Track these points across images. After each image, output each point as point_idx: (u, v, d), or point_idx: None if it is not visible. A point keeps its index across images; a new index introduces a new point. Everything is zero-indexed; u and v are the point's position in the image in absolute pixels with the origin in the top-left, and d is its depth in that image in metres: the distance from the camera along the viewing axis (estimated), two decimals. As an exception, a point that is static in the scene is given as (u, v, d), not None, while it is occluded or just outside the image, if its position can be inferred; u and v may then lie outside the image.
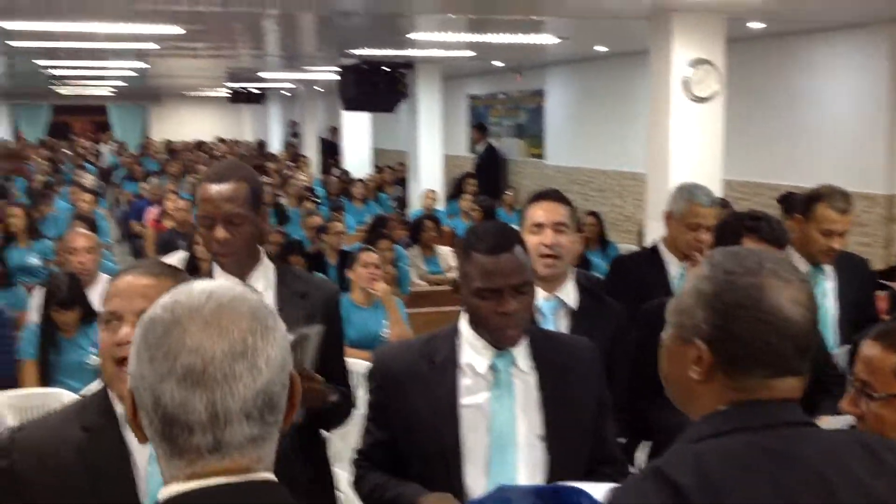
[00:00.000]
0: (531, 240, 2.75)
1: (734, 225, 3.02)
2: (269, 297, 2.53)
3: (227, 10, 6.90)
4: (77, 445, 1.80)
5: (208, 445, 1.11)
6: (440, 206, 10.55)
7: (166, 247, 8.29)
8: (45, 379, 4.56)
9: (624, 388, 2.80)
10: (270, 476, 1.16)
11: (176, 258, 7.62)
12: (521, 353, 2.19)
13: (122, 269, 1.97)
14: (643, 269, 3.66)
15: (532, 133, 13.73)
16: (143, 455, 1.82)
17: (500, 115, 14.66)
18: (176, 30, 7.85)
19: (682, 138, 6.63)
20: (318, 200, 10.60)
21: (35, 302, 4.96)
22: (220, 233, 2.42)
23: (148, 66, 13.42)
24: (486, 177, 12.83)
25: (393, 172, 14.04)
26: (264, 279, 2.54)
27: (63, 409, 1.98)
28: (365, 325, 5.16)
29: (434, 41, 9.01)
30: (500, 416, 2.14)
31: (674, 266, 3.64)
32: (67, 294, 4.57)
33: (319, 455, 2.66)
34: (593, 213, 8.14)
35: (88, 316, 4.59)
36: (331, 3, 7.03)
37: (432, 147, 11.25)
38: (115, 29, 7.89)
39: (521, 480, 2.11)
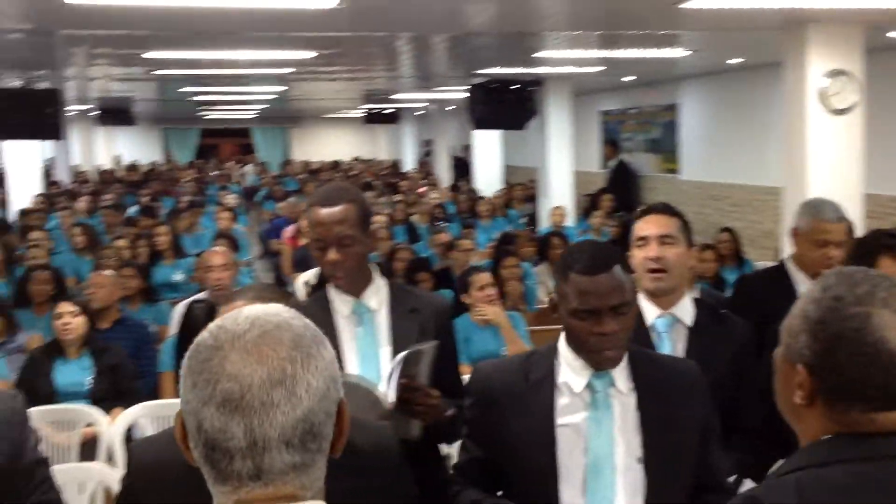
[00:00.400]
0: (637, 255, 2.70)
1: (871, 242, 2.88)
2: (383, 314, 2.59)
3: (362, 34, 7.10)
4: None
5: (249, 472, 1.11)
6: (569, 222, 10.48)
7: (302, 263, 8.56)
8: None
9: (752, 409, 2.70)
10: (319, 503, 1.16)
11: (311, 273, 7.93)
12: (621, 374, 2.15)
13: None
14: (769, 287, 3.52)
15: (665, 148, 13.48)
16: None
17: (633, 130, 14.46)
18: (312, 54, 8.13)
19: (819, 151, 6.38)
20: (447, 218, 10.71)
21: (175, 317, 5.22)
22: (333, 255, 2.48)
23: (286, 89, 13.92)
24: (618, 192, 12.66)
25: (524, 189, 14.04)
26: (377, 297, 2.60)
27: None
28: (485, 345, 5.18)
29: (564, 58, 8.99)
30: (598, 438, 2.10)
31: (803, 284, 3.48)
32: (207, 319, 4.77)
33: (438, 469, 2.68)
34: (727, 230, 7.91)
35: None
36: (461, 23, 7.13)
37: (562, 163, 11.20)
38: (256, 56, 8.25)
39: (619, 503, 2.08)
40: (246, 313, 1.17)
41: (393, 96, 15.25)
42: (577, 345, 2.13)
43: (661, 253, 2.68)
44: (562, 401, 2.14)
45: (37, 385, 4.42)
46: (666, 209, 2.80)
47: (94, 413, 4.24)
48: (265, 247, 12.81)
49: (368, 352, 2.57)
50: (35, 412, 3.63)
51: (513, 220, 11.84)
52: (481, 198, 11.84)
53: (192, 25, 6.24)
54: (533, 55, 8.65)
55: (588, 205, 11.27)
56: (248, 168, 22.59)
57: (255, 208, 15.64)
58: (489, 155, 14.11)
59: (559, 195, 11.02)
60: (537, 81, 10.49)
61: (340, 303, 2.58)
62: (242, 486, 1.12)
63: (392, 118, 19.02)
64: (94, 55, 8.54)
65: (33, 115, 8.84)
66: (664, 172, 13.52)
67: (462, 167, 17.33)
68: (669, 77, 12.41)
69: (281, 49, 7.77)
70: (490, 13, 6.38)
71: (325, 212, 2.49)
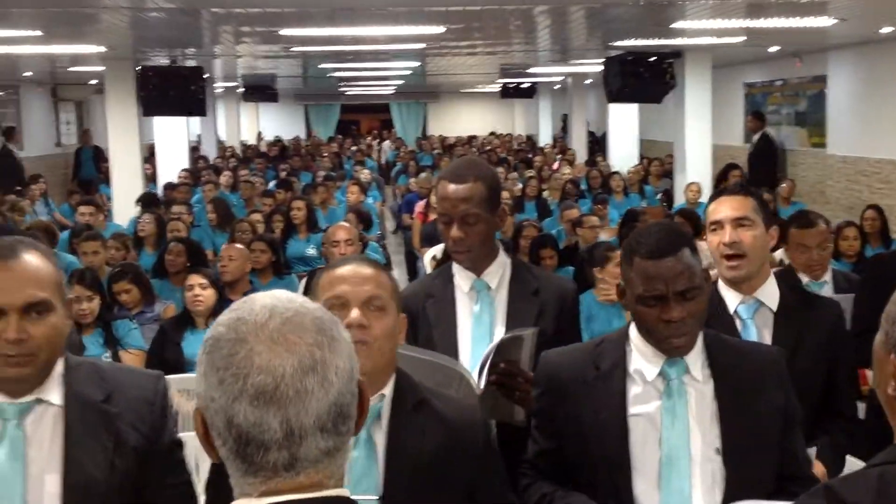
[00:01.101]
0: (712, 240, 2.58)
1: None
2: (502, 294, 2.58)
3: (501, 7, 7.04)
4: None
5: (284, 462, 1.10)
6: (704, 198, 10.13)
7: (430, 238, 8.61)
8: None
9: (847, 396, 2.58)
10: (343, 492, 1.15)
11: (438, 248, 7.98)
12: (696, 361, 2.06)
13: (339, 261, 2.04)
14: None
15: (813, 121, 12.83)
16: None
17: (779, 102, 13.84)
18: (450, 28, 8.12)
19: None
20: (579, 194, 10.55)
21: (300, 289, 5.33)
22: (456, 231, 2.48)
23: (421, 64, 14.00)
24: (760, 167, 12.17)
25: (661, 165, 13.68)
26: (498, 275, 2.58)
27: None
28: (609, 323, 5.07)
29: (704, 29, 8.67)
30: (672, 428, 2.01)
31: (942, 266, 3.26)
32: None
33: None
34: (874, 207, 7.47)
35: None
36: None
37: (700, 138, 10.81)
38: (394, 31, 8.31)
39: (696, 497, 1.98)
40: (261, 302, 1.15)
41: (529, 70, 15.11)
42: (645, 332, 2.05)
43: (735, 237, 2.55)
44: (634, 390, 2.06)
45: (167, 354, 4.61)
46: (739, 189, 2.67)
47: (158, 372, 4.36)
48: (398, 221, 13.00)
49: (482, 330, 2.56)
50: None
51: (648, 197, 11.56)
52: (615, 173, 11.60)
53: (327, 2, 6.33)
54: (671, 26, 8.37)
55: (716, 181, 10.85)
56: (386, 143, 22.93)
57: (390, 183, 15.87)
58: (625, 129, 13.80)
59: (697, 170, 10.66)
60: (676, 53, 10.15)
61: (461, 279, 2.58)
62: (274, 476, 1.11)
63: (528, 93, 18.87)
64: (239, 33, 8.80)
65: (180, 92, 9.23)
66: (811, 147, 12.89)
67: (598, 142, 17.05)
68: (817, 47, 11.77)
69: (416, 24, 7.79)
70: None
71: (453, 188, 2.49)
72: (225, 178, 12.10)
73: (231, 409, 1.10)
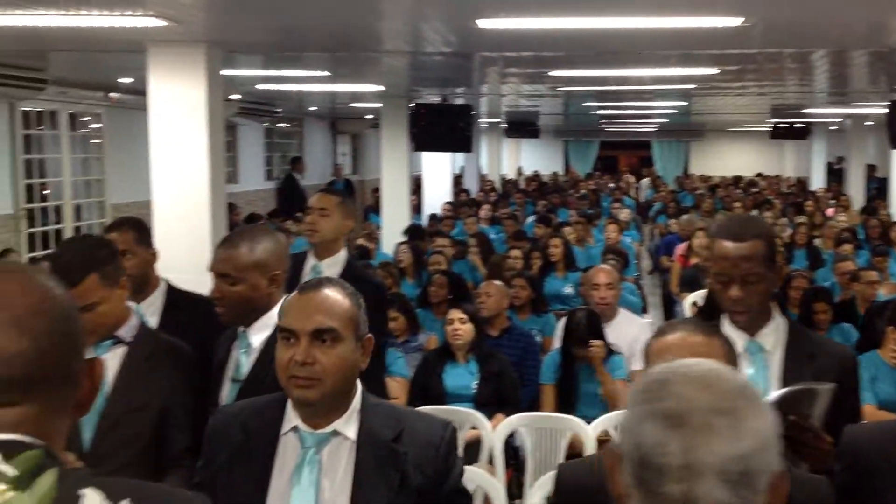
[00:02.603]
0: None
1: None
2: (777, 356, 2.47)
3: (779, 51, 6.79)
4: None
5: (678, 498, 1.09)
6: None
7: (690, 283, 8.36)
8: (564, 404, 4.88)
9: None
10: None
11: (699, 295, 7.72)
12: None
13: (666, 325, 2.02)
14: None
15: None
16: None
17: None
18: (714, 71, 7.90)
19: None
20: (856, 244, 9.83)
21: (558, 330, 5.34)
22: (735, 291, 2.40)
23: (688, 104, 13.70)
24: None
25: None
26: (774, 336, 2.47)
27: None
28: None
29: None
30: None
31: None
32: (586, 331, 4.85)
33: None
34: None
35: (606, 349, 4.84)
36: (884, 38, 6.51)
37: None
38: (658, 73, 8.20)
39: None
40: (693, 360, 1.23)
41: (804, 111, 14.35)
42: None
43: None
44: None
45: (429, 385, 4.76)
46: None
47: (479, 417, 4.45)
48: (655, 263, 12.73)
49: None
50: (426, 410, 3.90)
51: (939, 250, 10.58)
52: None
53: (597, 46, 6.36)
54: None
55: None
56: (645, 182, 22.59)
57: (648, 222, 15.59)
58: (911, 175, 12.76)
59: None
60: (974, 96, 9.26)
61: (734, 338, 2.47)
62: None
63: (801, 133, 17.90)
64: (506, 74, 9.03)
65: (449, 129, 9.58)
66: None
67: (879, 187, 15.87)
68: None
69: (684, 66, 7.64)
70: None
71: (732, 246, 2.40)
72: (484, 211, 12.40)
73: (639, 429, 1.14)
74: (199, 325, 3.04)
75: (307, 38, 6.02)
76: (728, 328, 2.49)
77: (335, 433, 2.00)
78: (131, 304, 2.85)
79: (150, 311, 3.35)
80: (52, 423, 1.12)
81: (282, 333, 2.00)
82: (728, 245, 2.40)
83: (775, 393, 2.21)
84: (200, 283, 4.05)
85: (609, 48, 6.59)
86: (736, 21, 4.69)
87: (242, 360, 2.65)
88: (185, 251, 4.94)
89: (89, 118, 10.54)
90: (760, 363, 2.46)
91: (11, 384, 1.08)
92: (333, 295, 2.01)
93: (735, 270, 2.38)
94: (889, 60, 7.64)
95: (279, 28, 5.40)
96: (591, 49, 6.68)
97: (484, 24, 4.89)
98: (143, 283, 3.37)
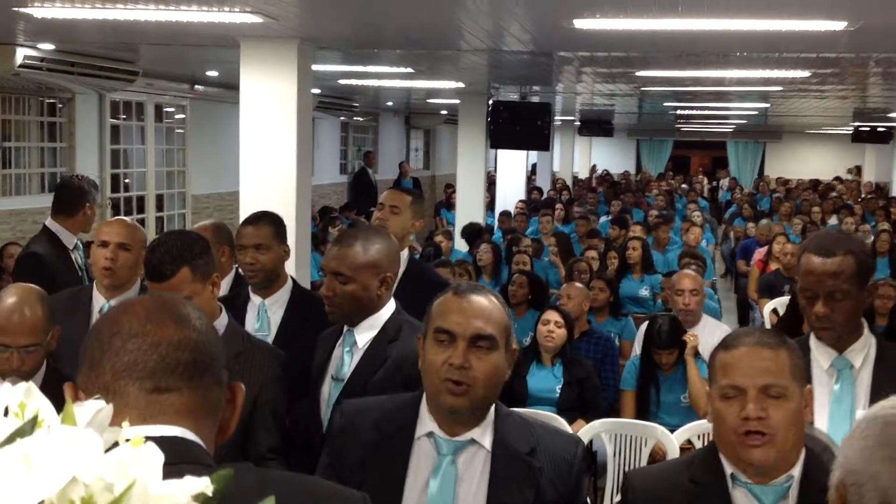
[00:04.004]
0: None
1: None
2: (865, 374, 2.43)
3: (870, 55, 6.65)
4: (686, 495, 1.89)
5: None
6: None
7: (769, 289, 8.20)
8: (642, 411, 4.83)
9: None
10: None
11: (779, 302, 7.56)
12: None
13: (730, 337, 1.98)
14: None
15: None
16: None
17: None
18: (805, 74, 7.74)
19: None
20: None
21: (639, 335, 5.28)
22: (821, 308, 2.37)
23: (769, 106, 13.43)
24: None
25: None
26: (863, 355, 2.44)
27: (672, 461, 2.12)
28: None
29: None
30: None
31: None
32: (668, 337, 4.79)
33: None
34: None
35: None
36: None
37: None
38: (735, 75, 8.05)
39: None
40: None
41: (890, 115, 13.97)
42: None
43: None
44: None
45: (512, 386, 4.74)
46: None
47: (561, 422, 4.42)
48: (729, 266, 12.52)
49: (842, 411, 2.41)
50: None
51: None
52: None
53: (682, 47, 6.27)
54: None
55: None
56: (724, 182, 22.21)
57: (723, 225, 15.34)
58: None
59: None
60: None
61: (820, 354, 2.45)
62: None
63: (884, 137, 17.44)
64: (583, 72, 8.97)
65: (526, 127, 9.54)
66: None
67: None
68: None
69: (772, 69, 7.50)
70: None
71: (820, 261, 2.37)
72: (557, 211, 12.33)
73: (878, 471, 1.10)
74: (316, 322, 3.04)
75: (394, 35, 6.05)
76: (814, 344, 2.47)
77: (472, 441, 1.98)
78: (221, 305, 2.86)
79: (276, 305, 3.36)
80: (206, 427, 1.14)
81: (438, 335, 1.96)
82: (816, 260, 2.37)
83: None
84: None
85: (692, 49, 6.50)
86: (840, 25, 4.59)
87: (346, 359, 2.66)
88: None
89: (173, 109, 10.76)
90: (848, 380, 2.42)
91: (177, 366, 1.11)
92: (492, 301, 2.01)
93: (820, 287, 2.36)
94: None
95: (366, 23, 5.44)
96: (675, 50, 6.59)
97: (580, 24, 4.85)
98: (274, 278, 3.38)
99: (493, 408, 2.01)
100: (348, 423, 2.07)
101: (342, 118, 15.10)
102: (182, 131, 10.92)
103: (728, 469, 1.86)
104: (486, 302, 1.98)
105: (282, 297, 3.38)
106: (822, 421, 2.41)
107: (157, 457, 0.68)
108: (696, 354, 4.84)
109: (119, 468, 0.64)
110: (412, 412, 2.01)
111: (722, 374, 1.87)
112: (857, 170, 23.90)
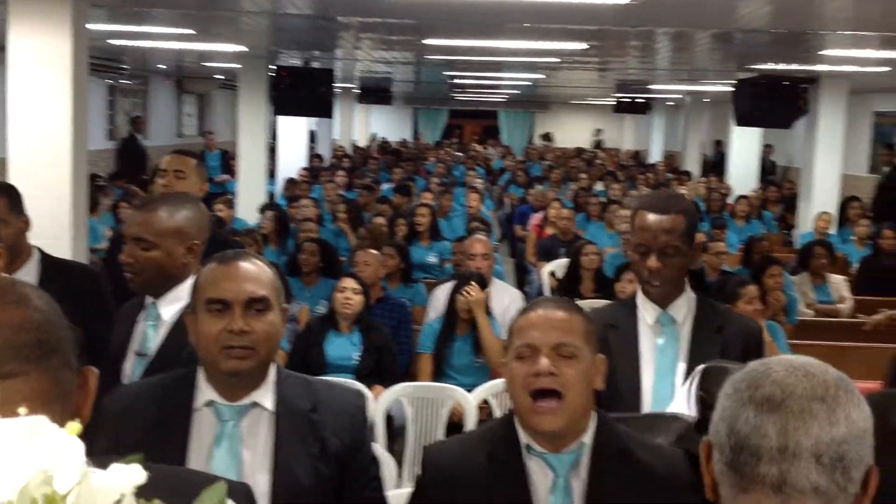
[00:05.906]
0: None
1: None
2: (686, 328, 2.58)
3: (627, 29, 6.98)
4: (481, 474, 1.93)
5: (773, 479, 1.12)
6: (833, 230, 9.83)
7: (547, 253, 8.59)
8: (437, 374, 4.92)
9: None
10: None
11: (557, 264, 7.94)
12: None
13: (531, 302, 2.07)
14: None
15: (947, 155, 12.33)
16: (544, 485, 1.91)
17: (911, 133, 13.34)
18: (578, 46, 8.07)
19: None
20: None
21: (436, 300, 5.36)
22: (653, 262, 2.49)
23: (543, 77, 13.96)
24: (888, 200, 11.74)
25: (778, 190, 13.35)
26: (684, 310, 2.59)
27: (470, 434, 2.14)
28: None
29: (844, 57, 8.42)
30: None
31: None
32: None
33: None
34: None
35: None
36: (731, 21, 6.83)
37: (830, 166, 10.46)
38: (518, 45, 8.29)
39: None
40: (792, 356, 1.24)
41: (648, 87, 14.93)
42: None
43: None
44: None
45: (310, 354, 4.69)
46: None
47: (360, 387, 4.42)
48: (505, 231, 12.97)
49: (666, 363, 2.56)
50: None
51: (767, 223, 11.28)
52: (743, 197, 11.32)
53: (464, 16, 6.36)
54: (814, 53, 8.15)
55: (840, 212, 10.44)
56: (492, 150, 22.95)
57: (498, 191, 15.86)
58: (746, 152, 13.51)
59: (823, 199, 10.33)
60: (811, 79, 9.86)
61: (646, 310, 2.59)
62: (764, 497, 1.13)
63: (642, 108, 18.66)
64: (363, 39, 8.92)
65: (309, 93, 9.38)
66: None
67: (715, 163, 16.73)
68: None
69: (552, 40, 7.75)
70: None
71: (655, 218, 2.50)
72: (339, 178, 12.27)
73: (736, 414, 1.16)
74: (76, 293, 2.86)
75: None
76: (641, 301, 2.60)
77: (254, 405, 1.99)
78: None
79: (27, 280, 3.13)
80: (58, 413, 1.04)
81: (210, 305, 1.96)
82: (651, 217, 2.50)
83: (698, 368, 2.31)
84: (58, 249, 3.85)
85: (477, 18, 6.61)
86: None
87: (150, 334, 2.53)
88: (45, 216, 4.64)
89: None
90: (671, 334, 2.56)
91: (22, 349, 1.04)
92: (258, 264, 2.02)
93: (655, 242, 2.48)
94: (735, 42, 8.03)
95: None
96: (457, 19, 6.68)
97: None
98: (16, 252, 3.14)
99: (274, 369, 2.03)
100: (123, 405, 2.03)
101: (109, 81, 14.23)
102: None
103: (524, 440, 1.92)
104: (252, 266, 2.01)
105: (30, 270, 3.18)
106: (648, 372, 2.55)
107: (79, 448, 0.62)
108: (488, 313, 4.98)
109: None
110: (188, 384, 2.00)
111: (518, 336, 1.94)
112: (597, 132, 25.59)
